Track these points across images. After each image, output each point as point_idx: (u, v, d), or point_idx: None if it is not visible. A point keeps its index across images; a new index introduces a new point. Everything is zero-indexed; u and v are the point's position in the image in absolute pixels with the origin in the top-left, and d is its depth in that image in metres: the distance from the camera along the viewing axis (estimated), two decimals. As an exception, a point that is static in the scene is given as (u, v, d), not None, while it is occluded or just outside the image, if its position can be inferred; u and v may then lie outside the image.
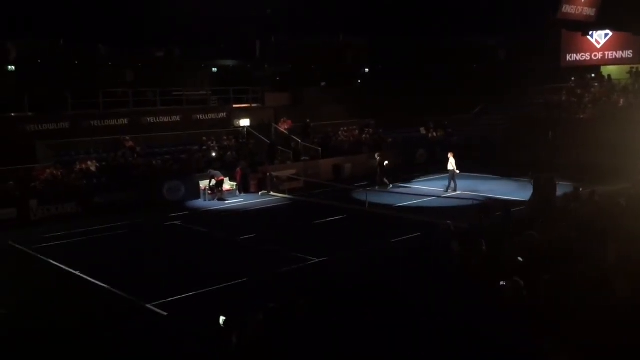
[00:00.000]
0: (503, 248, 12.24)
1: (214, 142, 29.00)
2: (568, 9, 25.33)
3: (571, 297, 8.84)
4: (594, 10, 25.29)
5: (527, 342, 8.14)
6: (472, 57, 46.38)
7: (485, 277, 10.67)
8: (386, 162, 27.69)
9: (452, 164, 25.20)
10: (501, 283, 9.98)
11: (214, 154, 27.67)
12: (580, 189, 18.26)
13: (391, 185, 26.66)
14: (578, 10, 25.59)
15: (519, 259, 11.21)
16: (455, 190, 25.03)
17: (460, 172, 25.56)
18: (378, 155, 28.13)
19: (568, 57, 38.70)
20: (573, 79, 39.15)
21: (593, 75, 39.31)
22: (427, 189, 25.87)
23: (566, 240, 12.39)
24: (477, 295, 10.13)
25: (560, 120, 33.15)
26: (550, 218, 14.88)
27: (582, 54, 38.07)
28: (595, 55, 37.67)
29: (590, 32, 36.18)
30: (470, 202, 21.12)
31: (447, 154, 25.64)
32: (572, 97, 36.77)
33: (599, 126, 30.27)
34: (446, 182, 25.41)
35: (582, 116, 33.59)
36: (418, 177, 29.24)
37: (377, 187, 26.15)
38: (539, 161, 27.07)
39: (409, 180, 28.12)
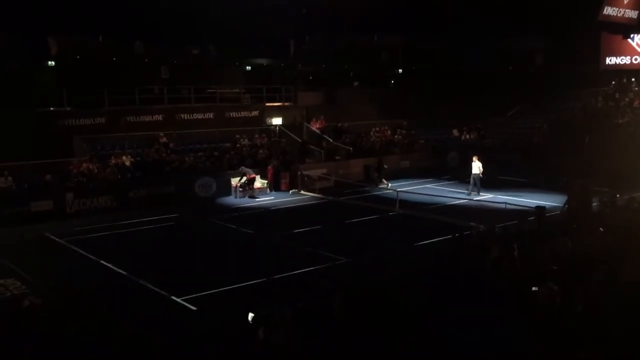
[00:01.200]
0: (535, 254, 12.04)
1: (246, 140, 29.22)
2: (609, 10, 24.86)
3: (608, 307, 8.63)
4: (636, 12, 24.76)
5: (561, 354, 7.97)
6: (509, 59, 45.65)
7: (517, 283, 10.50)
8: (385, 166, 27.98)
9: (477, 167, 24.78)
10: (533, 289, 9.81)
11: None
12: (617, 195, 17.86)
13: (389, 185, 26.60)
14: (619, 12, 25.09)
15: (554, 267, 11.00)
16: (478, 193, 24.65)
17: (485, 176, 25.10)
18: (377, 160, 28.49)
19: (607, 61, 37.85)
20: (613, 82, 38.26)
21: (633, 79, 38.37)
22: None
23: (602, 247, 12.12)
24: (510, 303, 9.96)
25: (597, 124, 32.45)
26: (585, 224, 14.58)
27: (622, 57, 37.19)
28: (635, 59, 36.76)
29: (632, 35, 35.42)
30: (502, 206, 20.86)
31: (472, 157, 25.18)
32: (610, 101, 35.97)
33: (638, 131, 29.55)
34: (469, 186, 25.17)
35: (620, 121, 32.83)
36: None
37: (379, 186, 26.76)
38: (575, 166, 26.53)
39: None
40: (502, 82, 40.12)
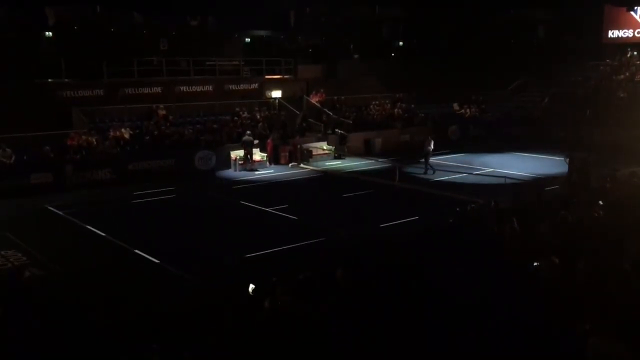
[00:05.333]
0: (535, 228, 12.06)
1: (246, 113, 29.08)
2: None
3: (610, 280, 8.68)
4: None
5: (563, 324, 8.03)
6: (511, 32, 45.29)
7: (518, 256, 10.53)
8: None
9: (429, 145, 24.21)
10: (535, 264, 9.85)
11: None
12: (618, 170, 17.83)
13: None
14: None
15: (553, 241, 11.03)
16: (426, 172, 23.97)
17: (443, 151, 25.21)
18: (339, 130, 28.40)
19: (610, 34, 37.51)
20: (608, 61, 37.89)
21: (635, 53, 38.06)
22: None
23: (601, 222, 12.14)
24: (511, 276, 10.01)
25: (599, 98, 32.29)
26: (585, 199, 14.59)
27: (625, 30, 36.86)
28: (638, 32, 36.43)
29: (635, 7, 35.04)
30: (502, 181, 20.87)
31: (428, 137, 24.66)
32: (611, 74, 35.75)
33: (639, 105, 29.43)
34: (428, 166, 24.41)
35: (622, 95, 32.66)
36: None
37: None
38: (576, 140, 26.49)
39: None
40: (504, 55, 39.81)
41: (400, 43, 48.28)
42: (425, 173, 23.99)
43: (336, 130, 28.59)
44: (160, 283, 12.87)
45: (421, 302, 9.73)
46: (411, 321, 9.23)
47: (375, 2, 44.40)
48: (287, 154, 26.78)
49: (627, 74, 35.07)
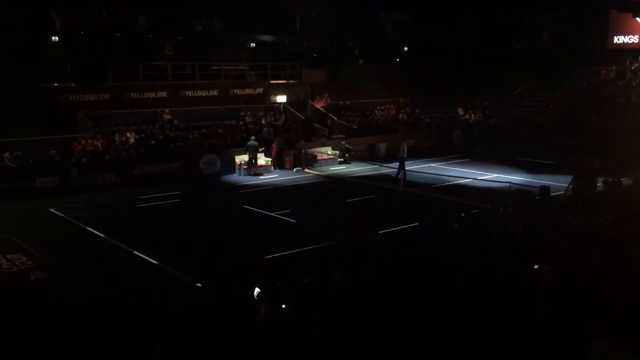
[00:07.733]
0: (540, 233, 12.06)
1: (251, 117, 29.13)
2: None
3: (614, 284, 8.68)
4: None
5: (569, 326, 8.04)
6: (515, 37, 45.11)
7: (521, 260, 10.55)
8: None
9: (403, 151, 23.93)
10: (535, 267, 9.88)
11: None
12: (622, 176, 17.80)
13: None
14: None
15: (558, 246, 11.04)
16: (398, 176, 23.46)
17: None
18: (345, 144, 28.24)
19: (615, 39, 37.39)
20: (613, 67, 37.76)
21: (640, 58, 37.92)
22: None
23: (606, 227, 12.12)
24: (513, 279, 10.02)
25: (604, 103, 32.21)
26: (590, 205, 14.57)
27: (630, 36, 36.75)
28: (645, 38, 36.30)
29: (641, 14, 34.97)
30: (507, 186, 20.83)
31: (403, 142, 24.44)
32: (617, 79, 35.66)
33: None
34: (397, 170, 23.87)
35: (627, 100, 32.56)
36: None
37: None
38: (581, 146, 26.42)
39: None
40: (509, 60, 39.69)
41: (405, 48, 48.16)
42: (396, 177, 23.56)
43: (342, 142, 28.48)
44: (162, 285, 12.87)
45: (422, 303, 9.74)
46: (411, 323, 9.23)
47: (380, 7, 44.34)
48: (292, 158, 26.79)
49: (634, 78, 34.94)
